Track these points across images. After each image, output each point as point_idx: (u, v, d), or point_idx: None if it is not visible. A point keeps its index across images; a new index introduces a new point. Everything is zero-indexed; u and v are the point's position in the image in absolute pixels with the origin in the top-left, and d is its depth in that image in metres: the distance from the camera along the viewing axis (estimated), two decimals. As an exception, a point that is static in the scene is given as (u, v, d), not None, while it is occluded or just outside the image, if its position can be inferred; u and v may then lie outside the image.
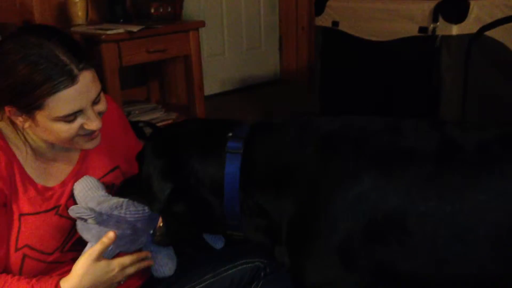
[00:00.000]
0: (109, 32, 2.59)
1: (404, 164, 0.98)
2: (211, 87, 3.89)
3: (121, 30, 2.63)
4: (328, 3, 2.58)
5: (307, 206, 1.01)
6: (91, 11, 2.99)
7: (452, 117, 2.18)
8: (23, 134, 1.17)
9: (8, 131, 1.18)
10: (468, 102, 2.21)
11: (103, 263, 1.13)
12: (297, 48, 4.53)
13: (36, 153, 1.20)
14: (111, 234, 1.13)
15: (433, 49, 2.17)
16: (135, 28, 2.65)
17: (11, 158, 1.16)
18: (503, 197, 0.93)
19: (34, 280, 1.12)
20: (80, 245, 1.18)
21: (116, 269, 1.15)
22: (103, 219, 1.13)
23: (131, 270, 1.18)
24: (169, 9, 3.01)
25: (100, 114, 1.17)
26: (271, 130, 1.12)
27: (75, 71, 1.07)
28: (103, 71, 2.58)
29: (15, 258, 1.16)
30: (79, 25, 2.87)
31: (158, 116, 3.14)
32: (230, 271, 1.32)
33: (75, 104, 1.09)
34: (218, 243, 1.30)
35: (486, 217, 0.93)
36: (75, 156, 1.27)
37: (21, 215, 1.16)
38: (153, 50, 2.77)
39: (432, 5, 2.16)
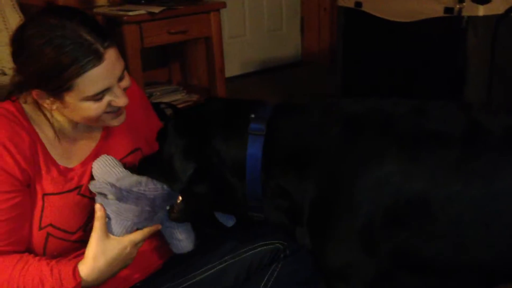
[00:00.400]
0: (130, 13, 2.60)
1: (429, 147, 0.97)
2: (232, 68, 3.88)
3: (142, 11, 2.64)
4: (351, -17, 2.54)
5: (329, 188, 1.01)
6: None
7: (477, 100, 2.15)
8: (48, 115, 1.18)
9: (32, 112, 1.19)
10: (495, 84, 2.16)
11: (113, 241, 1.14)
12: (319, 29, 4.48)
13: (59, 134, 1.21)
14: (98, 206, 1.14)
15: (459, 30, 2.14)
16: (156, 9, 2.66)
17: (35, 139, 1.17)
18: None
19: (53, 262, 1.14)
20: None
21: (129, 246, 1.15)
22: (122, 195, 1.14)
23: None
24: (190, -11, 3.00)
25: (124, 90, 1.17)
26: (294, 112, 1.11)
27: (101, 49, 1.07)
28: (125, 53, 2.60)
29: (38, 237, 1.18)
30: (101, 6, 2.89)
31: (180, 98, 3.16)
32: (250, 252, 1.33)
33: (104, 82, 1.10)
34: (229, 222, 1.30)
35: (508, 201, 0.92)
36: (97, 136, 1.28)
37: (44, 195, 1.18)
38: (174, 32, 2.77)
39: (458, -15, 2.12)
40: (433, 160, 0.96)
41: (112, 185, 1.13)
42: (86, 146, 1.27)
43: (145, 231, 1.19)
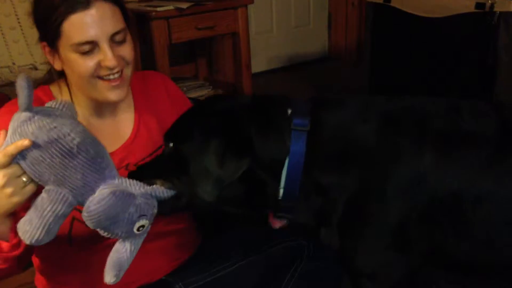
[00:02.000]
0: (159, 9, 2.62)
1: (463, 147, 0.97)
2: (258, 64, 3.89)
3: (170, 7, 2.66)
4: (380, -21, 2.52)
5: (366, 185, 1.00)
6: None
7: (508, 98, 2.11)
8: (70, 94, 1.24)
9: (58, 96, 1.24)
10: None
11: None
12: (347, 25, 4.45)
13: (85, 121, 1.23)
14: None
15: (490, 26, 2.11)
16: (184, 5, 2.67)
17: None
18: None
19: None
20: None
21: (0, 177, 0.95)
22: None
23: (14, 195, 0.97)
24: (218, -15, 3.02)
25: (124, 60, 1.18)
26: (335, 108, 1.07)
27: None
28: (153, 48, 2.63)
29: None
30: (130, 1, 2.91)
31: (206, 93, 3.18)
32: (273, 248, 1.33)
33: (89, 31, 1.12)
34: None
35: None
36: (128, 128, 1.31)
37: None
38: (202, 27, 2.79)
39: (490, -20, 2.08)
40: (466, 160, 0.96)
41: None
42: (115, 134, 1.29)
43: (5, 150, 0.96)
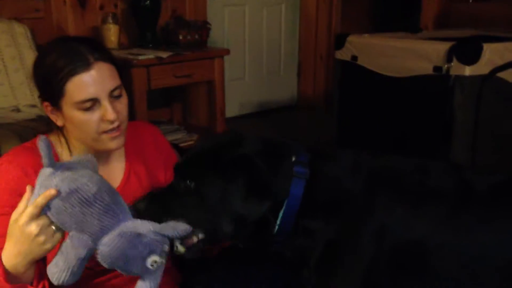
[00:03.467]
0: (140, 57, 2.75)
1: (428, 202, 1.12)
2: (230, 109, 4.02)
3: (151, 56, 2.79)
4: (348, 39, 2.71)
5: (343, 232, 1.13)
6: (122, 36, 3.17)
7: (463, 154, 2.28)
8: (67, 144, 1.34)
9: (57, 145, 1.34)
10: (480, 140, 2.30)
11: (19, 222, 1.06)
12: (315, 75, 4.67)
13: None
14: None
15: (447, 87, 2.27)
16: (164, 54, 2.81)
17: None
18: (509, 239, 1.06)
19: None
20: None
21: (34, 227, 1.05)
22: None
23: (45, 242, 1.07)
24: (196, 37, 3.18)
25: (121, 113, 1.29)
26: (330, 161, 1.20)
27: (91, 59, 1.23)
28: (133, 94, 2.73)
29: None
30: (112, 49, 3.03)
31: (181, 137, 3.28)
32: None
33: (90, 90, 1.23)
34: None
35: (495, 251, 1.05)
36: (119, 175, 1.41)
37: None
38: (180, 75, 2.93)
39: (446, 46, 2.27)
40: (430, 213, 1.10)
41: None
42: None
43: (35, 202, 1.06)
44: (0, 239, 1.15)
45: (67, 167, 1.07)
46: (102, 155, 1.37)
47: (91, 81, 1.23)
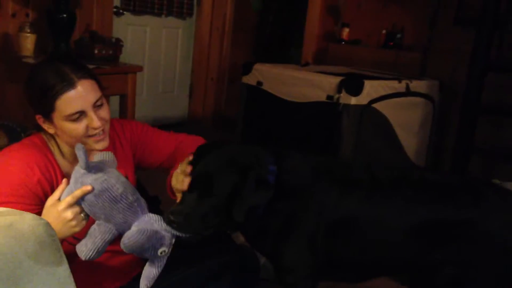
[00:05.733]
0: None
1: (351, 187, 1.56)
2: (128, 123, 4.22)
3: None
4: (255, 66, 3.15)
5: (297, 209, 1.52)
6: (37, 46, 3.23)
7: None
8: (58, 143, 1.53)
9: (49, 143, 1.54)
10: (359, 154, 2.87)
11: (58, 208, 1.32)
12: (205, 96, 5.05)
13: (69, 161, 1.55)
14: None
15: (336, 113, 2.78)
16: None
17: (54, 165, 1.52)
18: (404, 210, 1.53)
19: None
20: None
21: (69, 213, 1.31)
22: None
23: (75, 226, 1.33)
24: (111, 52, 3.39)
25: (105, 119, 1.48)
26: (286, 159, 1.55)
27: (75, 78, 1.42)
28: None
29: None
30: (27, 57, 3.12)
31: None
32: (206, 263, 1.73)
33: (77, 104, 1.41)
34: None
35: (395, 218, 1.52)
36: None
37: None
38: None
39: (337, 80, 2.80)
40: (353, 195, 1.54)
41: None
42: None
43: (73, 194, 1.32)
44: None
45: (99, 168, 1.35)
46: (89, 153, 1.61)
47: (77, 97, 1.42)
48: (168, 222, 1.36)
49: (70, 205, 1.32)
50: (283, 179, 1.52)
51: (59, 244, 1.11)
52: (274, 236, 1.55)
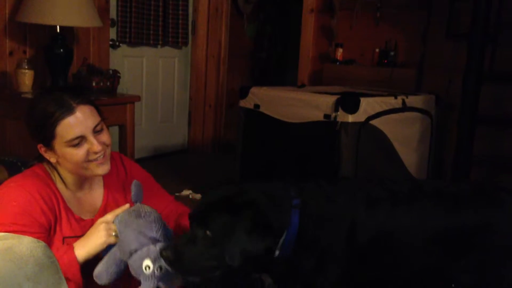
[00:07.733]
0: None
1: (376, 205, 1.51)
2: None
3: (73, 100, 2.97)
4: (251, 90, 3.17)
5: (329, 242, 1.46)
6: (35, 81, 3.27)
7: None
8: (58, 173, 1.55)
9: (51, 173, 1.56)
10: (359, 171, 2.87)
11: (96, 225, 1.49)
12: (204, 122, 5.09)
13: (71, 190, 1.57)
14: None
15: (334, 131, 2.76)
16: (85, 99, 3.02)
17: (56, 194, 1.54)
18: (427, 220, 1.51)
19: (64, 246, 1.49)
20: None
21: (99, 224, 1.48)
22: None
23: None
24: (108, 84, 3.44)
25: (105, 143, 1.52)
26: (310, 191, 1.49)
27: (73, 104, 1.46)
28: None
29: None
30: (25, 93, 3.16)
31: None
32: None
33: (77, 129, 1.45)
34: None
35: (421, 232, 1.50)
36: (99, 197, 1.66)
37: (64, 237, 1.52)
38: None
39: (334, 99, 2.81)
40: (379, 212, 1.50)
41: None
42: (92, 205, 1.64)
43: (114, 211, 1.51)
44: None
45: (137, 214, 1.49)
46: (87, 182, 1.62)
47: (77, 122, 1.45)
48: (162, 257, 1.34)
49: (109, 221, 1.49)
50: (310, 213, 1.44)
51: (58, 265, 1.11)
52: (309, 274, 1.47)
